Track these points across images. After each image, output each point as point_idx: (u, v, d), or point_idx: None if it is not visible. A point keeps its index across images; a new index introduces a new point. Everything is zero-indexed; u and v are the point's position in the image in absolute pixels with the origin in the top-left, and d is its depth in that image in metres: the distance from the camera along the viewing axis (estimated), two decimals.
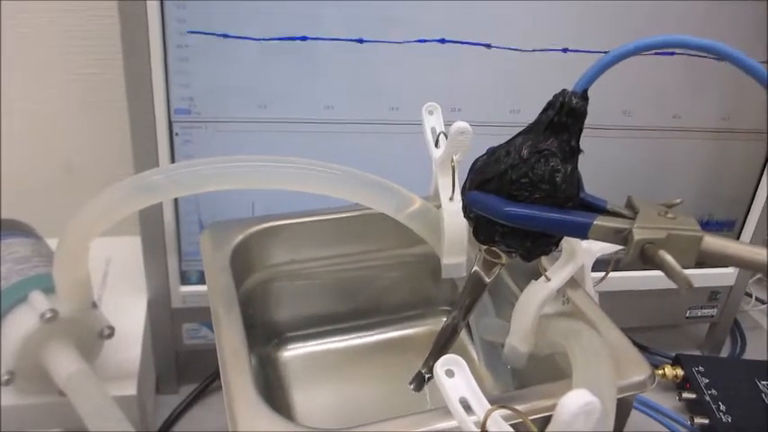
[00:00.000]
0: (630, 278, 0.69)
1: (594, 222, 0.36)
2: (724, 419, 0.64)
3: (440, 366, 0.33)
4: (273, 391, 0.56)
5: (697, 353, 0.80)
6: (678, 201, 0.37)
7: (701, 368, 0.70)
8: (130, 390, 0.53)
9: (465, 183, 0.40)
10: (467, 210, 0.40)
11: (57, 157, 0.74)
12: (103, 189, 0.44)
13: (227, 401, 0.39)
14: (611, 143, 0.65)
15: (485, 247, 0.41)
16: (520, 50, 0.59)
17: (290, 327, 0.61)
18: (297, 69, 0.55)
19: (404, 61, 0.56)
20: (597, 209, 0.38)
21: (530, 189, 0.37)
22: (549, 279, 0.44)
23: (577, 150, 0.37)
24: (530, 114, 0.37)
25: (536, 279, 0.44)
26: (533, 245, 0.39)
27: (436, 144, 0.49)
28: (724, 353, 0.81)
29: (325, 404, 0.56)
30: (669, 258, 0.33)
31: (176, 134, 0.55)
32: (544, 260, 0.43)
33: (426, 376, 0.43)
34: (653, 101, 0.64)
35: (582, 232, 0.36)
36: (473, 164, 0.40)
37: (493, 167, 0.38)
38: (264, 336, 0.60)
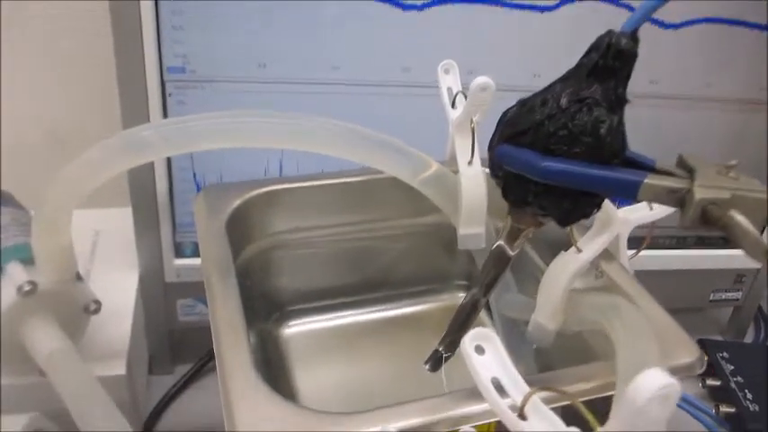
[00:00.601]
0: (652, 257, 0.66)
1: (645, 181, 0.32)
2: (751, 408, 0.61)
3: (468, 342, 0.29)
4: (274, 371, 0.54)
5: (719, 338, 0.76)
6: (734, 162, 0.33)
7: (725, 354, 0.67)
8: (119, 369, 0.51)
9: (493, 137, 0.37)
10: (495, 166, 0.36)
11: (40, 122, 0.71)
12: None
13: (221, 381, 0.35)
14: (634, 112, 0.61)
15: (509, 215, 0.38)
16: (541, 9, 0.56)
17: (293, 301, 0.58)
18: (301, 26, 0.52)
19: (416, 19, 0.53)
20: (644, 167, 0.34)
21: (569, 142, 0.33)
22: (580, 250, 0.40)
23: (624, 100, 0.33)
24: (552, 79, 0.34)
25: (565, 250, 0.41)
26: (572, 206, 0.35)
27: (453, 105, 0.46)
28: (747, 339, 0.78)
29: (331, 385, 0.53)
30: (740, 219, 0.28)
31: (169, 94, 0.52)
32: (575, 230, 0.40)
33: (443, 355, 0.40)
34: (680, 69, 0.62)
35: (631, 191, 0.32)
36: (502, 116, 0.36)
37: (526, 118, 0.34)
38: (264, 310, 0.57)
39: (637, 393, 0.22)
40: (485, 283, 0.39)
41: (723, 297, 0.74)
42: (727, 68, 0.63)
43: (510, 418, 0.27)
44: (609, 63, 0.33)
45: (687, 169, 0.33)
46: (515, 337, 0.50)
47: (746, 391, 0.63)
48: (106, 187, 0.55)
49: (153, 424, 0.59)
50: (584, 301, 0.41)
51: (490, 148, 0.37)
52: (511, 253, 0.38)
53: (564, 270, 0.41)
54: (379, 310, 0.60)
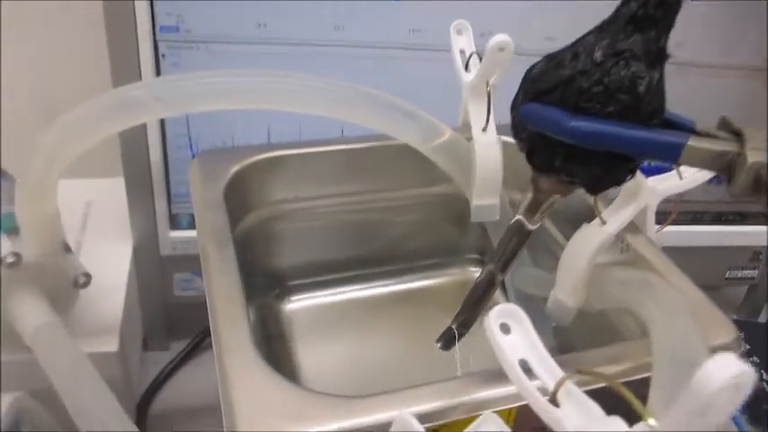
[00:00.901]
0: (666, 233, 0.62)
1: (689, 143, 0.29)
2: (767, 388, 0.59)
3: (493, 319, 0.26)
4: (274, 349, 0.52)
5: (733, 317, 0.74)
6: None
7: (740, 333, 0.65)
8: (110, 346, 0.49)
9: (516, 96, 0.34)
10: (519, 127, 0.33)
11: (29, 90, 0.69)
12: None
13: (217, 359, 0.33)
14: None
15: (532, 183, 0.36)
16: None
17: (295, 274, 0.56)
18: None
19: None
20: (684, 129, 0.31)
21: (603, 100, 0.30)
22: (604, 222, 0.38)
23: (665, 54, 0.31)
24: (567, 42, 0.32)
25: (588, 222, 0.39)
26: (604, 172, 0.32)
27: (466, 68, 0.44)
28: (761, 319, 0.76)
29: (335, 364, 0.52)
30: None
31: (162, 55, 0.50)
32: (599, 200, 0.38)
33: (456, 333, 0.38)
34: (707, 34, 0.59)
35: (672, 154, 0.30)
36: (527, 72, 0.33)
37: (554, 74, 0.31)
38: (264, 285, 0.55)
39: (706, 382, 0.19)
40: (502, 260, 0.37)
41: (739, 275, 0.72)
42: (745, 37, 0.60)
43: (542, 405, 0.25)
44: (649, 12, 0.30)
45: (732, 132, 0.31)
46: (532, 314, 0.45)
47: (763, 372, 0.62)
48: (98, 156, 0.53)
49: (148, 403, 0.58)
50: (609, 277, 0.39)
51: (513, 107, 0.34)
52: (531, 227, 0.36)
53: (587, 243, 0.39)
54: (385, 285, 0.58)
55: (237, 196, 0.47)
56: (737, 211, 0.71)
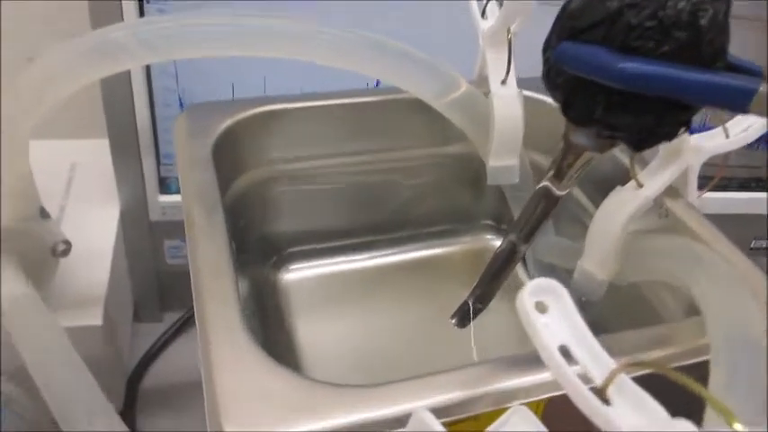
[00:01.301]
0: None
1: (762, 89, 0.25)
2: None
3: (528, 297, 0.23)
4: (270, 325, 0.49)
5: None
6: None
7: None
8: (94, 319, 0.47)
9: (549, 36, 0.30)
10: (553, 72, 0.29)
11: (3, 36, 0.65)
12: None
13: (201, 341, 0.29)
14: None
15: (564, 139, 0.33)
16: None
17: (293, 242, 0.54)
18: None
19: None
20: (752, 74, 0.27)
21: (657, 37, 0.26)
22: (641, 185, 0.35)
23: None
24: None
25: (622, 185, 0.36)
26: (653, 124, 0.28)
27: (483, 14, 0.42)
28: None
29: (337, 342, 0.49)
30: None
31: (147, 1, 0.47)
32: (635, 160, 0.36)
33: (472, 309, 0.36)
34: None
35: (739, 102, 0.25)
36: (563, 8, 0.29)
37: (598, 8, 0.27)
38: (260, 253, 0.52)
39: None
40: (525, 229, 0.35)
41: (765, 245, 0.69)
42: None
43: (588, 400, 0.21)
44: None
45: None
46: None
47: None
48: (84, 115, 0.52)
49: (139, 378, 0.56)
50: (646, 246, 0.36)
51: (546, 48, 0.30)
52: (559, 193, 0.34)
53: (621, 209, 0.36)
54: (393, 254, 0.56)
55: (229, 155, 0.44)
56: (763, 178, 0.67)
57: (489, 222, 0.58)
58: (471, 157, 0.43)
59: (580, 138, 0.31)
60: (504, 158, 0.41)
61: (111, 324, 0.49)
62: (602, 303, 0.39)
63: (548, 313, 0.23)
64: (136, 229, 0.56)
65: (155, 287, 0.61)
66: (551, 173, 0.33)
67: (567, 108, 0.30)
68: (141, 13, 0.47)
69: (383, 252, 0.56)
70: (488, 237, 0.58)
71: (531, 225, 0.35)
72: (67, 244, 0.45)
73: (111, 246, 0.53)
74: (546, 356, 0.23)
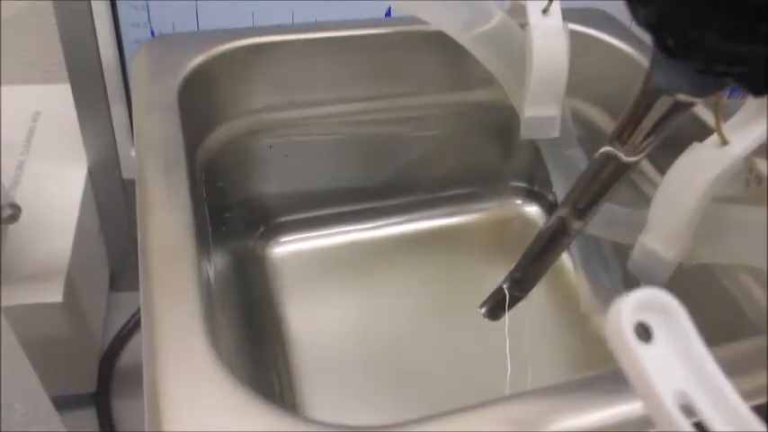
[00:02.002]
0: None
1: None
2: None
3: (627, 315, 0.16)
4: (255, 309, 0.45)
5: None
6: None
7: None
8: (53, 295, 0.44)
9: None
10: None
11: None
12: None
13: (146, 357, 0.22)
14: None
15: (645, 84, 0.27)
16: None
17: (283, 209, 0.50)
18: None
19: None
20: None
21: None
22: (726, 142, 0.31)
23: None
24: None
25: (701, 142, 0.32)
26: None
27: None
28: None
29: (334, 330, 0.44)
30: None
31: None
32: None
33: (508, 297, 0.33)
34: None
35: None
36: None
37: None
38: (243, 222, 0.49)
39: None
40: (580, 204, 0.31)
41: None
42: None
43: None
44: None
45: None
46: (602, 266, 0.42)
47: None
48: (46, 55, 0.52)
49: (114, 355, 0.55)
50: (729, 221, 0.32)
51: None
52: (628, 160, 0.29)
53: (699, 171, 0.32)
54: (402, 223, 0.52)
55: (201, 100, 0.40)
56: None
57: (519, 184, 0.55)
58: (500, 105, 0.41)
59: (673, 78, 0.26)
60: (542, 107, 0.38)
61: (75, 300, 0.47)
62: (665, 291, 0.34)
63: (654, 341, 0.17)
64: (107, 188, 0.53)
65: (132, 252, 0.58)
66: (619, 132, 0.29)
67: (661, 32, 0.24)
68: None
69: (390, 221, 0.52)
70: (518, 202, 0.54)
71: (587, 199, 0.31)
72: (15, 208, 0.42)
73: (75, 209, 0.50)
74: (654, 407, 0.16)
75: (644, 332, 0.16)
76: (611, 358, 0.44)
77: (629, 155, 0.29)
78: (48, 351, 0.46)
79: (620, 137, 0.29)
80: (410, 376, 0.38)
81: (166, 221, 0.28)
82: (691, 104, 0.27)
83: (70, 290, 0.45)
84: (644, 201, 0.39)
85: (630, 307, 0.16)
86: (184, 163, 0.31)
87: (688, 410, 0.16)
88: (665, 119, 0.27)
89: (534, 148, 0.42)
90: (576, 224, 0.31)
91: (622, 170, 0.29)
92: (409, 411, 0.35)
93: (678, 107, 0.27)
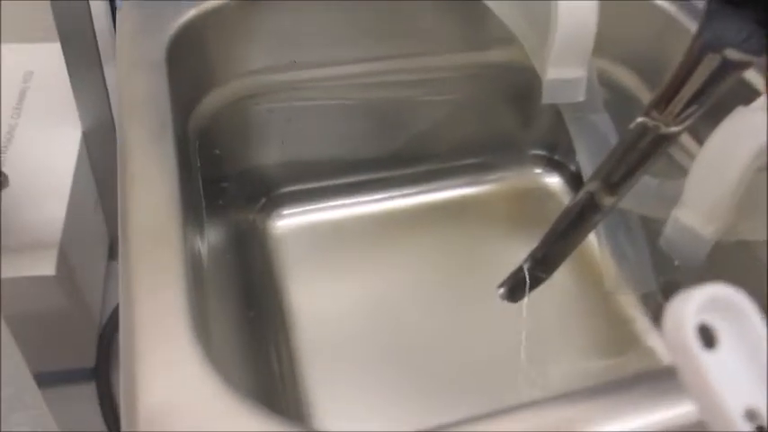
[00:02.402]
0: None
1: None
2: None
3: (690, 315, 0.14)
4: (255, 285, 0.44)
5: None
6: None
7: None
8: (45, 268, 0.43)
9: None
10: None
11: None
12: None
13: (123, 354, 0.21)
14: None
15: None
16: None
17: (286, 179, 0.48)
18: None
19: None
20: None
21: None
22: None
23: None
24: None
25: (745, 105, 0.30)
26: None
27: None
28: None
29: (339, 308, 0.43)
30: None
31: None
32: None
33: (529, 278, 0.31)
34: None
35: None
36: None
37: None
38: (243, 194, 0.47)
39: None
40: (614, 178, 0.30)
41: None
42: None
43: None
44: None
45: None
46: (628, 242, 0.40)
47: None
48: (39, 11, 0.47)
49: (114, 328, 0.53)
50: None
51: None
52: (669, 130, 0.27)
53: (744, 139, 0.30)
54: (413, 194, 0.50)
55: (193, 60, 0.38)
56: None
57: (539, 152, 0.53)
58: (520, 66, 0.40)
59: (726, 31, 0.24)
60: (566, 68, 0.36)
61: (69, 272, 0.45)
62: (700, 271, 0.33)
63: (719, 347, 0.14)
64: (103, 151, 0.51)
65: None
66: (659, 100, 0.27)
67: None
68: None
69: (400, 192, 0.51)
70: (537, 171, 0.52)
71: (621, 173, 0.29)
72: (2, 176, 0.41)
73: (69, 175, 0.48)
74: (717, 423, 0.14)
75: (706, 334, 0.14)
76: (637, 340, 0.42)
77: (669, 125, 0.27)
78: (42, 325, 0.45)
79: (660, 105, 0.27)
80: (419, 358, 0.37)
81: (149, 197, 0.26)
82: (739, 66, 0.25)
83: (64, 262, 0.44)
84: (677, 171, 0.37)
85: (694, 306, 0.13)
86: (171, 130, 0.29)
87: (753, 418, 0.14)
88: (711, 83, 0.25)
89: (556, 113, 0.41)
90: (608, 200, 0.30)
91: (661, 142, 0.27)
92: (417, 396, 0.33)
93: (725, 68, 0.25)
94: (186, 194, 0.26)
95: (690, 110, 0.26)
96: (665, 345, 0.14)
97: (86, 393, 0.50)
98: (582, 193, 0.30)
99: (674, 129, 0.27)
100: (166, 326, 0.20)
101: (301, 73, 0.44)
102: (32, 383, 0.34)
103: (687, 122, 0.26)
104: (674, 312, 0.14)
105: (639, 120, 0.28)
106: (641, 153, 0.29)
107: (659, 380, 0.20)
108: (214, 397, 0.20)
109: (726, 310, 0.14)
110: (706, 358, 0.14)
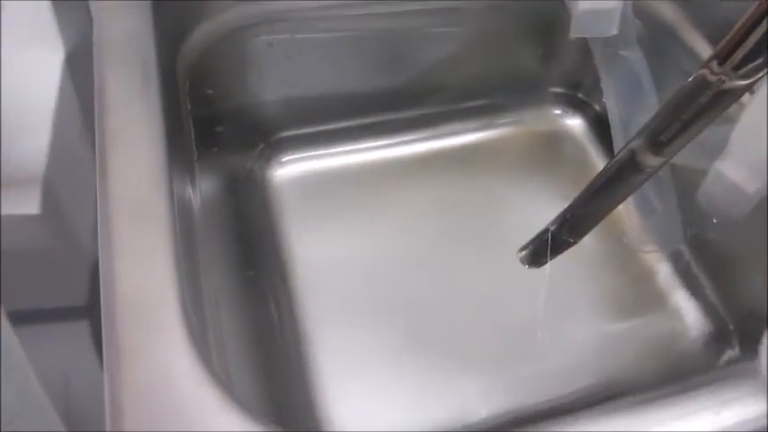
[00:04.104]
0: None
1: None
2: None
3: None
4: (253, 237, 0.41)
5: None
6: None
7: None
8: (28, 206, 0.42)
9: None
10: None
11: None
12: None
13: (106, 346, 0.19)
14: None
15: None
16: None
17: (284, 122, 0.45)
18: None
19: None
20: None
21: None
22: None
23: None
24: None
25: None
26: None
27: None
28: None
29: (342, 261, 0.40)
30: None
31: None
32: None
33: (553, 242, 0.29)
34: None
35: None
36: None
37: None
38: (239, 138, 0.44)
39: None
40: (663, 137, 0.26)
41: None
42: None
43: None
44: None
45: None
46: (650, 191, 0.38)
47: None
48: None
49: None
50: None
51: None
52: (731, 85, 0.24)
53: None
54: (422, 139, 0.47)
55: None
56: None
57: (560, 90, 0.49)
58: None
59: None
60: None
61: (56, 208, 0.44)
62: (738, 229, 0.32)
63: None
64: (87, 76, 0.49)
65: None
66: (722, 51, 0.23)
67: None
68: None
69: (408, 137, 0.47)
70: (556, 112, 0.48)
71: (671, 132, 0.26)
72: None
73: (51, 104, 0.46)
74: None
75: None
76: (662, 300, 0.40)
77: (732, 78, 0.24)
78: (30, 264, 0.44)
79: (723, 55, 0.24)
80: (427, 319, 0.35)
81: (131, 155, 0.23)
82: None
83: (49, 198, 0.42)
84: (721, 117, 0.34)
85: None
86: (156, 69, 0.26)
87: None
88: None
89: (582, 46, 0.38)
90: (653, 160, 0.27)
91: (722, 99, 0.24)
92: (424, 357, 0.31)
93: None
94: (174, 148, 0.23)
95: (756, 63, 0.23)
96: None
97: (80, 330, 0.49)
98: (623, 151, 0.27)
99: (738, 83, 0.24)
100: (152, 309, 0.18)
101: (300, 2, 0.41)
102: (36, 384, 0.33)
103: (755, 78, 0.23)
104: None
105: (699, 72, 0.24)
106: (697, 110, 0.25)
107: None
108: (195, 384, 0.18)
109: None
110: None
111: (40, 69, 0.48)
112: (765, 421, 0.19)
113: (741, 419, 0.20)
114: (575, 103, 0.49)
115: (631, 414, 0.21)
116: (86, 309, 0.49)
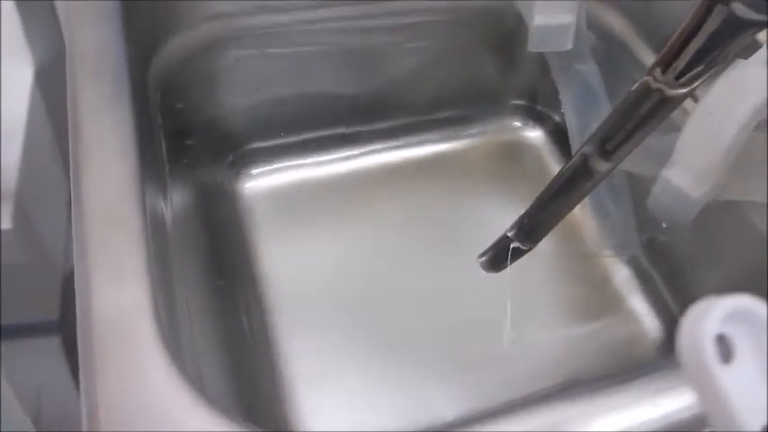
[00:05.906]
0: None
1: None
2: None
3: (709, 326, 0.13)
4: (223, 251, 0.41)
5: None
6: None
7: None
8: (0, 221, 0.42)
9: None
10: None
11: None
12: None
13: (80, 334, 0.19)
14: None
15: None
16: None
17: (254, 134, 0.45)
18: None
19: None
20: None
21: None
22: None
23: None
24: None
25: (745, 57, 0.27)
26: None
27: None
28: None
29: (313, 273, 0.41)
30: None
31: None
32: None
33: (512, 246, 0.29)
34: None
35: None
36: None
37: None
38: (209, 150, 0.44)
39: None
40: (612, 143, 0.27)
41: None
42: None
43: None
44: None
45: None
46: (608, 200, 0.39)
47: None
48: None
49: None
50: None
51: None
52: (674, 93, 0.24)
53: (743, 96, 0.29)
54: (389, 149, 0.47)
55: (151, 3, 0.36)
56: None
57: (521, 102, 0.50)
58: (503, 10, 0.39)
59: None
60: (554, 13, 0.35)
61: (28, 223, 0.44)
62: (687, 233, 0.33)
63: (735, 360, 0.13)
64: (58, 91, 0.50)
65: None
66: (663, 59, 0.24)
67: None
68: None
69: (375, 147, 0.48)
70: (517, 124, 0.49)
71: (619, 138, 0.26)
72: None
73: (22, 119, 0.46)
74: None
75: (722, 346, 0.13)
76: (618, 303, 0.41)
77: (673, 87, 0.24)
78: (3, 278, 0.44)
79: (663, 64, 0.24)
80: (395, 323, 0.36)
81: (104, 168, 0.23)
82: (747, 25, 0.22)
83: (21, 213, 0.43)
84: (667, 125, 0.36)
85: (714, 324, 0.12)
86: (128, 84, 0.26)
87: None
88: (718, 40, 0.23)
89: (539, 60, 0.39)
90: (603, 166, 0.27)
91: (664, 106, 0.25)
92: (392, 361, 0.32)
93: (731, 26, 0.22)
94: (146, 160, 0.23)
95: (695, 71, 0.24)
96: (679, 356, 0.13)
97: (52, 346, 0.49)
98: (576, 156, 0.28)
99: (679, 91, 0.24)
100: (127, 318, 0.18)
101: (271, 17, 0.42)
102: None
103: (693, 85, 0.24)
104: (691, 324, 0.12)
105: (642, 80, 0.25)
106: (641, 117, 0.26)
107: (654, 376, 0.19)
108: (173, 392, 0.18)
109: (742, 321, 0.13)
110: (724, 375, 0.12)
111: (11, 84, 0.47)
112: (698, 408, 0.20)
113: (677, 407, 0.21)
114: (534, 115, 0.50)
115: (572, 405, 0.22)
116: (58, 323, 0.49)
